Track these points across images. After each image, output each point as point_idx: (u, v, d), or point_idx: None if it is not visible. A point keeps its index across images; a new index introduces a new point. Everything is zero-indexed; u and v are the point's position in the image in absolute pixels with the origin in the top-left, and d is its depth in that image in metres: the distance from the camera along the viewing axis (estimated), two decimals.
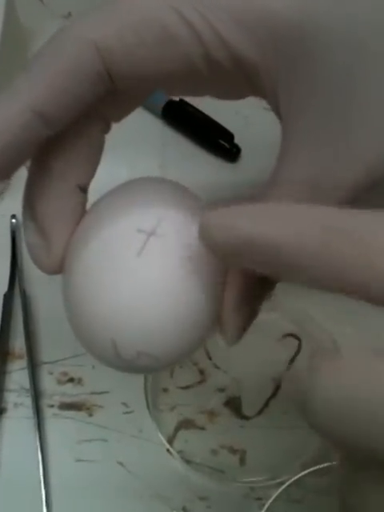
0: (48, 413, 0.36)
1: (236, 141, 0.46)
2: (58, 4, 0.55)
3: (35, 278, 0.40)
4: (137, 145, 0.48)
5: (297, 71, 0.19)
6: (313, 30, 0.19)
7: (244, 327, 0.23)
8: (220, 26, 0.19)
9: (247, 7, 0.19)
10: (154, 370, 0.23)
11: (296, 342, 0.39)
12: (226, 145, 0.46)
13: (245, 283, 0.21)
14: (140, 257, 0.20)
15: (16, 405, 0.36)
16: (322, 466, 0.34)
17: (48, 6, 0.55)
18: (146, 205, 0.21)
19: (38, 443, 0.35)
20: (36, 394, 0.36)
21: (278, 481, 0.34)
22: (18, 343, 0.38)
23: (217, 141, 0.46)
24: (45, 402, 0.36)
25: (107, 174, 0.40)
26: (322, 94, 0.19)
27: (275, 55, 0.19)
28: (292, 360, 0.38)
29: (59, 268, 0.22)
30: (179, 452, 0.35)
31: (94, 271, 0.21)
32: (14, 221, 0.41)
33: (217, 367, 0.38)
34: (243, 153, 0.47)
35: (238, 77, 0.21)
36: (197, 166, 0.47)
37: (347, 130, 0.20)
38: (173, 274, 0.20)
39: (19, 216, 0.42)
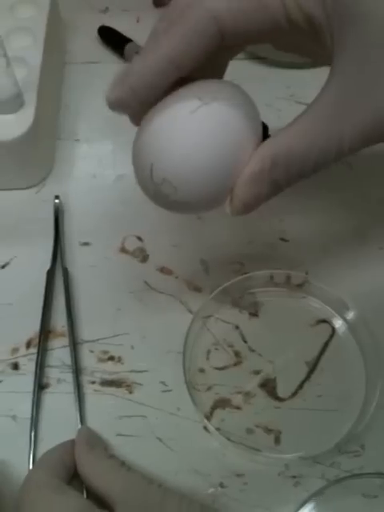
0: (89, 389, 0.37)
1: (269, 132, 0.47)
2: None
3: (77, 259, 0.42)
4: None
5: (348, 28, 0.25)
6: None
7: (250, 204, 0.28)
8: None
9: None
10: (173, 204, 0.28)
11: (329, 328, 0.40)
12: None
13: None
14: (192, 115, 0.27)
15: (59, 380, 0.38)
16: (354, 447, 0.35)
17: (86, 1, 0.56)
18: (207, 87, 0.28)
19: (78, 417, 0.36)
20: (77, 370, 0.37)
21: (313, 460, 0.35)
22: (59, 321, 0.39)
23: None
24: (86, 378, 0.38)
25: None
26: (365, 48, 0.25)
27: (334, 16, 0.25)
28: (325, 345, 0.39)
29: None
30: (216, 430, 0.35)
31: (158, 120, 0.27)
32: (57, 201, 0.42)
33: (252, 350, 0.39)
34: None
35: (310, 33, 0.27)
36: None
37: (375, 79, 0.26)
38: (213, 133, 0.27)
39: (62, 197, 0.43)
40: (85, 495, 0.33)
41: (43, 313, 0.39)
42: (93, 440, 0.34)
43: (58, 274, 0.40)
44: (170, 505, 0.30)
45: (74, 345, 0.38)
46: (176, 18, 0.26)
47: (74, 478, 0.33)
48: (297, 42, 0.29)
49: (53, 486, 0.30)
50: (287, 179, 0.28)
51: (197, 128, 0.27)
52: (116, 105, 0.28)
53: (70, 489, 0.31)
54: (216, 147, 0.27)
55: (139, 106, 0.28)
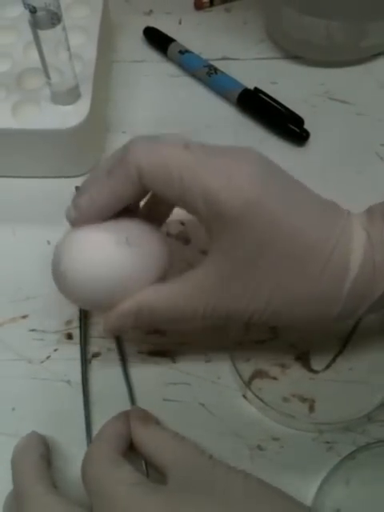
0: (137, 358, 0.40)
1: (305, 127, 0.50)
2: (140, 2, 0.60)
3: None
4: (212, 130, 0.52)
5: (218, 227, 0.31)
6: (238, 215, 0.30)
7: (115, 331, 0.36)
8: (194, 194, 0.31)
9: (206, 196, 0.31)
10: (64, 293, 0.35)
11: None
12: (296, 129, 0.50)
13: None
14: (103, 248, 0.33)
15: (109, 349, 0.41)
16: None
17: (132, 4, 0.60)
18: (128, 227, 0.35)
19: (125, 384, 0.39)
20: (120, 341, 0.41)
21: (345, 427, 0.38)
22: None
23: (287, 125, 0.50)
24: (134, 348, 0.41)
25: None
26: (227, 250, 0.32)
27: (213, 221, 0.31)
28: (357, 322, 0.42)
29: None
30: (254, 397, 0.38)
31: (82, 238, 0.34)
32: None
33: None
34: (311, 138, 0.50)
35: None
36: (268, 150, 0.51)
37: (230, 276, 0.32)
38: (112, 266, 0.33)
39: None
40: (144, 465, 0.36)
41: None
42: (146, 416, 0.37)
43: None
44: (218, 474, 0.32)
45: None
46: (112, 167, 0.33)
47: (132, 449, 0.35)
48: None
49: (110, 459, 0.33)
50: (149, 324, 0.36)
51: (104, 259, 0.33)
52: (73, 223, 0.35)
53: (125, 463, 0.33)
54: (109, 278, 0.33)
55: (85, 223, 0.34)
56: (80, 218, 0.34)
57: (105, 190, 0.33)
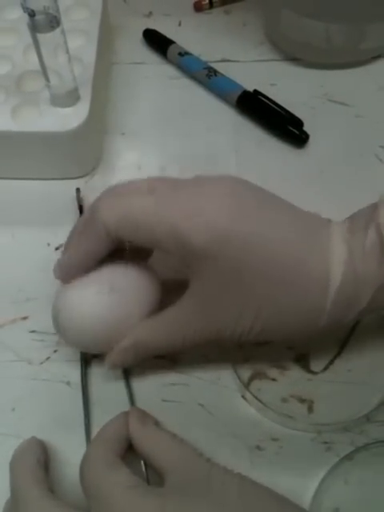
0: None
1: (304, 128, 0.50)
2: (139, 4, 0.60)
3: None
4: (212, 132, 0.52)
5: (199, 267, 0.34)
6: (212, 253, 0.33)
7: (117, 365, 0.39)
8: (163, 237, 0.33)
9: (174, 235, 0.33)
10: (65, 339, 0.39)
11: None
12: (295, 131, 0.50)
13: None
14: (91, 297, 0.36)
15: None
16: (382, 417, 0.38)
17: (132, 6, 0.60)
18: (113, 274, 0.37)
19: (125, 384, 0.39)
20: None
21: (343, 428, 0.38)
22: None
23: (287, 127, 0.50)
24: None
25: (187, 159, 0.46)
26: (213, 283, 0.34)
27: (186, 256, 0.33)
28: (355, 324, 0.42)
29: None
30: (253, 397, 0.38)
31: (72, 290, 0.37)
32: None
33: None
34: (310, 140, 0.51)
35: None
36: (268, 152, 0.51)
37: (211, 309, 0.35)
38: (103, 312, 0.36)
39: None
40: (143, 466, 0.36)
41: None
42: (145, 417, 0.37)
43: None
44: (214, 477, 0.32)
45: None
46: (82, 228, 0.36)
47: (131, 450, 0.35)
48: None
49: (108, 461, 0.33)
50: (144, 356, 0.38)
51: (89, 311, 0.36)
52: (61, 280, 0.37)
53: (122, 465, 0.33)
54: (99, 327, 0.36)
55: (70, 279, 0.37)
56: (64, 276, 0.37)
57: (79, 249, 0.36)
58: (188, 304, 0.35)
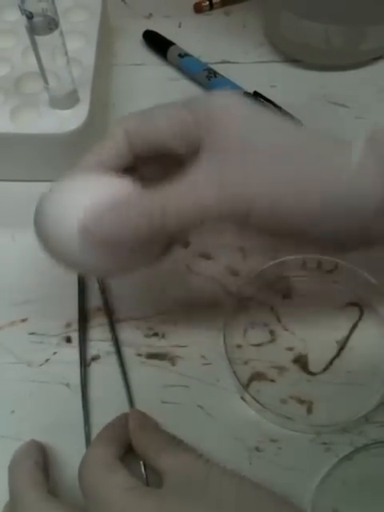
0: (136, 361, 0.41)
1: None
2: (139, 6, 0.60)
3: None
4: None
5: (213, 130, 0.33)
6: None
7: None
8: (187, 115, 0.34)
9: (192, 108, 0.34)
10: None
11: (358, 311, 0.43)
12: None
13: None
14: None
15: (108, 353, 0.41)
16: (381, 418, 0.38)
17: (132, 8, 0.60)
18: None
19: (124, 386, 0.39)
20: (118, 344, 0.41)
21: (342, 429, 0.38)
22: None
23: None
24: (133, 351, 0.41)
25: None
26: (226, 145, 0.32)
27: (203, 120, 0.33)
28: (354, 326, 0.42)
29: None
30: (252, 399, 0.38)
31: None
32: None
33: (285, 329, 0.42)
34: None
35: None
36: None
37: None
38: None
39: None
40: (143, 468, 0.36)
41: (81, 297, 0.43)
42: (144, 418, 0.37)
43: None
44: (212, 478, 0.32)
45: (112, 323, 0.42)
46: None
47: (130, 451, 0.36)
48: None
49: (107, 463, 0.33)
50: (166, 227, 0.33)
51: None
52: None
53: (121, 467, 0.33)
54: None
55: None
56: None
57: (91, 158, 0.36)
58: (199, 168, 0.32)
